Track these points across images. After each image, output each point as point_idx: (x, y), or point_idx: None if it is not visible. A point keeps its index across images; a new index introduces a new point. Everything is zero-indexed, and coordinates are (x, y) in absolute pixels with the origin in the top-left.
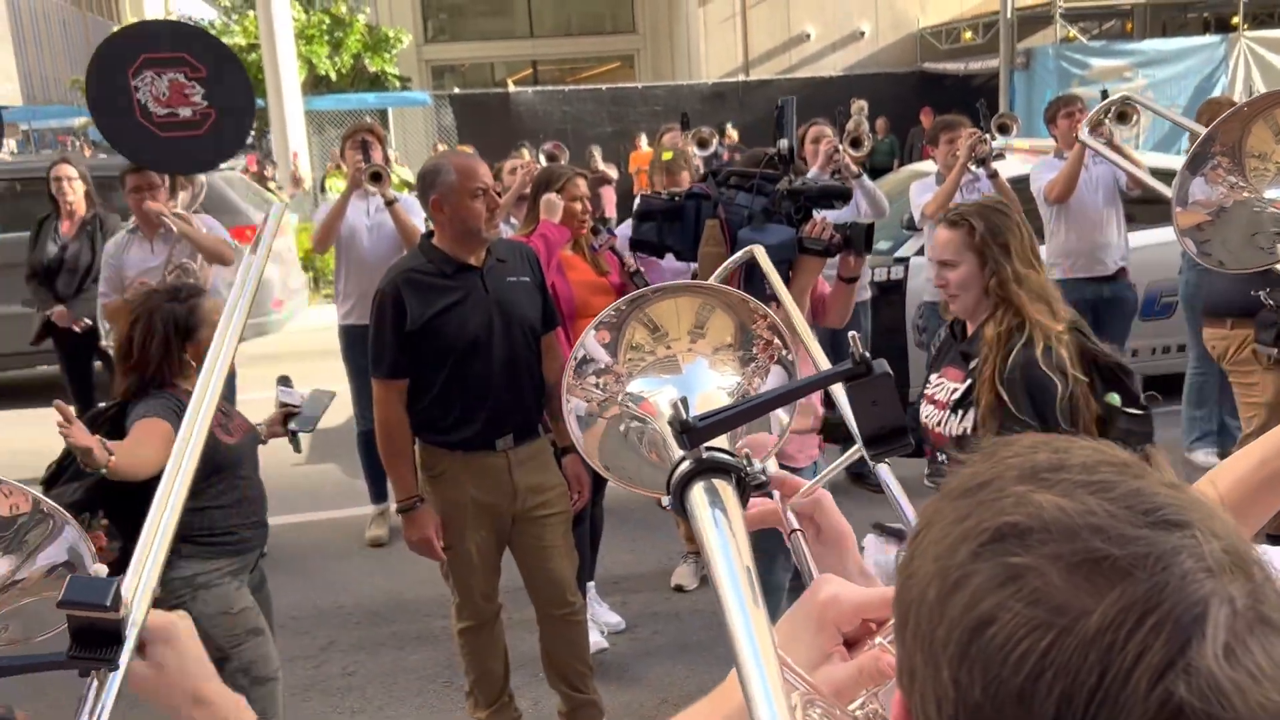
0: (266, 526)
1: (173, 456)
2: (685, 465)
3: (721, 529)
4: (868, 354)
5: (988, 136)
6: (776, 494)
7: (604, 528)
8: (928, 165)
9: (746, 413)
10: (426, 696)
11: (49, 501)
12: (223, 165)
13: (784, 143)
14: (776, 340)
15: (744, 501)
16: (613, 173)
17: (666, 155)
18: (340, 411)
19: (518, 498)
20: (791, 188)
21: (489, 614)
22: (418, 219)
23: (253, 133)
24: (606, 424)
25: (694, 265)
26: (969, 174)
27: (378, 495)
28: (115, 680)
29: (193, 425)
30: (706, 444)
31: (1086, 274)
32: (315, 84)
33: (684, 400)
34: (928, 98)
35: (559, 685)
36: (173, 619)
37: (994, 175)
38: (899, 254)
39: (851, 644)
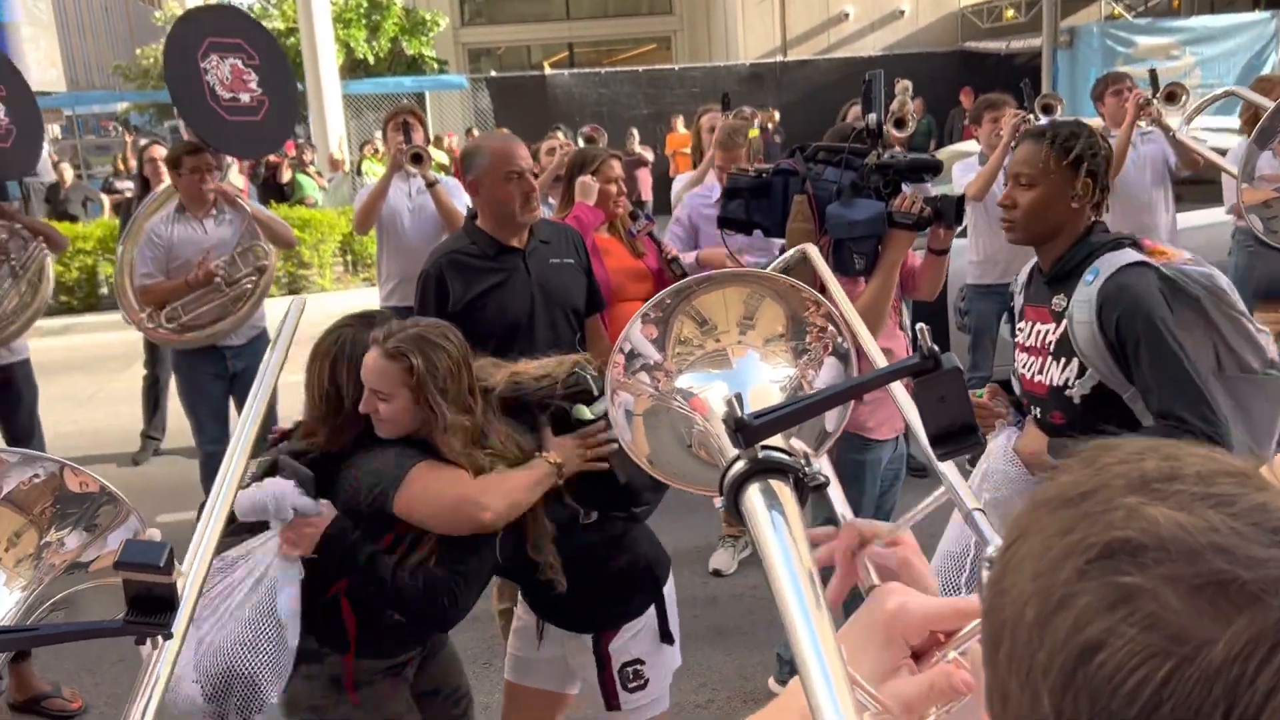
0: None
1: (206, 511)
2: (740, 465)
3: (781, 532)
4: (936, 347)
5: (1031, 117)
6: (851, 548)
7: None
8: (969, 145)
9: (805, 410)
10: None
11: (114, 489)
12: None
13: (872, 116)
14: (831, 328)
15: (802, 503)
16: (649, 155)
17: (753, 133)
18: None
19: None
20: (880, 161)
21: None
22: (459, 201)
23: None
24: (654, 421)
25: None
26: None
27: None
28: (170, 648)
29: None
30: (761, 443)
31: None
32: (353, 68)
33: (738, 397)
34: (968, 78)
35: None
36: None
37: None
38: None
39: (918, 656)
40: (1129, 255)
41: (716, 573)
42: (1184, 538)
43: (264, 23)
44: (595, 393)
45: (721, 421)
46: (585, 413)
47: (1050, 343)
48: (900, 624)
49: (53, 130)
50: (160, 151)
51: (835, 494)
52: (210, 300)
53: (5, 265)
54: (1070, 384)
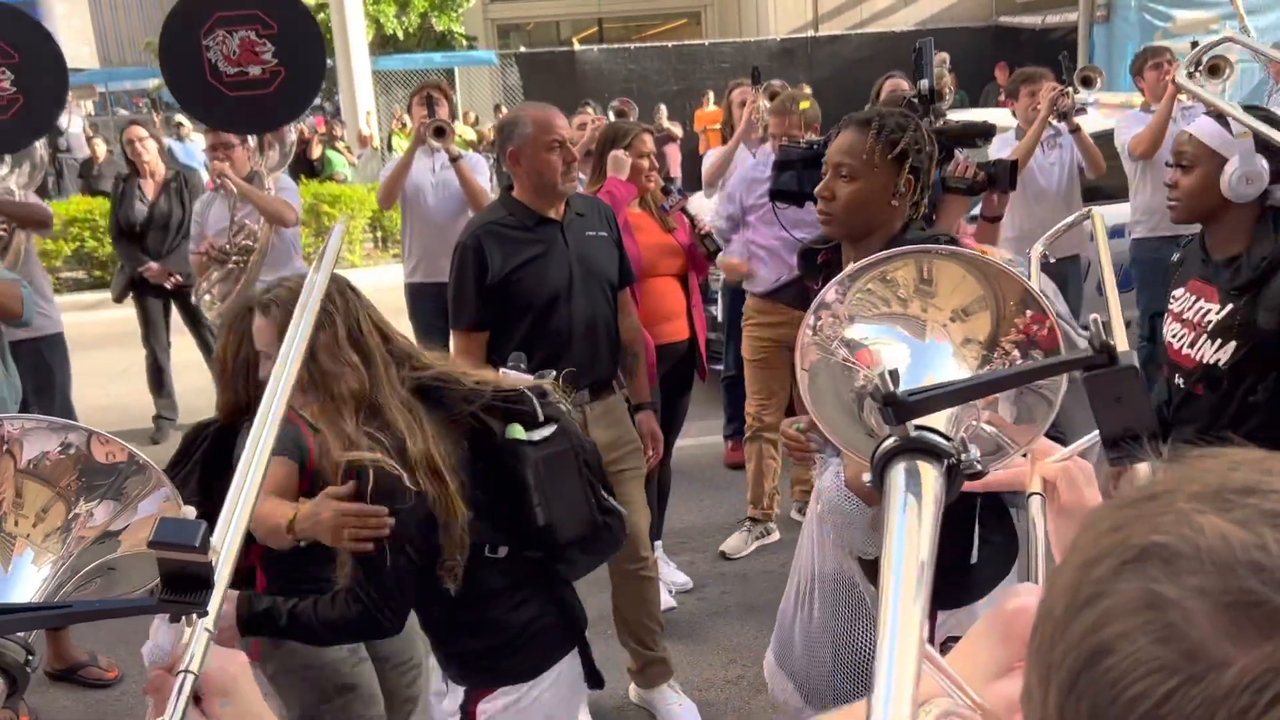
0: None
1: (237, 476)
2: (890, 442)
3: (907, 515)
4: (1112, 340)
5: (1070, 90)
6: (1029, 454)
7: (671, 487)
8: (1004, 118)
9: (962, 392)
10: None
11: (143, 456)
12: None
13: (924, 83)
14: (1016, 352)
15: (953, 490)
16: (678, 131)
17: (805, 105)
18: None
19: None
20: (932, 128)
21: None
22: (482, 177)
23: (321, 92)
24: (821, 364)
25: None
26: (1050, 128)
27: None
28: (204, 626)
29: (270, 407)
30: (919, 423)
31: (1171, 233)
32: (383, 43)
33: (893, 372)
34: (1003, 53)
35: (629, 642)
36: (231, 672)
37: (1076, 130)
38: (973, 213)
39: None
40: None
41: (723, 555)
42: (1223, 551)
43: None
44: (539, 418)
45: (869, 396)
46: (518, 431)
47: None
48: (1020, 625)
49: (86, 106)
50: (139, 131)
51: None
52: (231, 276)
53: None
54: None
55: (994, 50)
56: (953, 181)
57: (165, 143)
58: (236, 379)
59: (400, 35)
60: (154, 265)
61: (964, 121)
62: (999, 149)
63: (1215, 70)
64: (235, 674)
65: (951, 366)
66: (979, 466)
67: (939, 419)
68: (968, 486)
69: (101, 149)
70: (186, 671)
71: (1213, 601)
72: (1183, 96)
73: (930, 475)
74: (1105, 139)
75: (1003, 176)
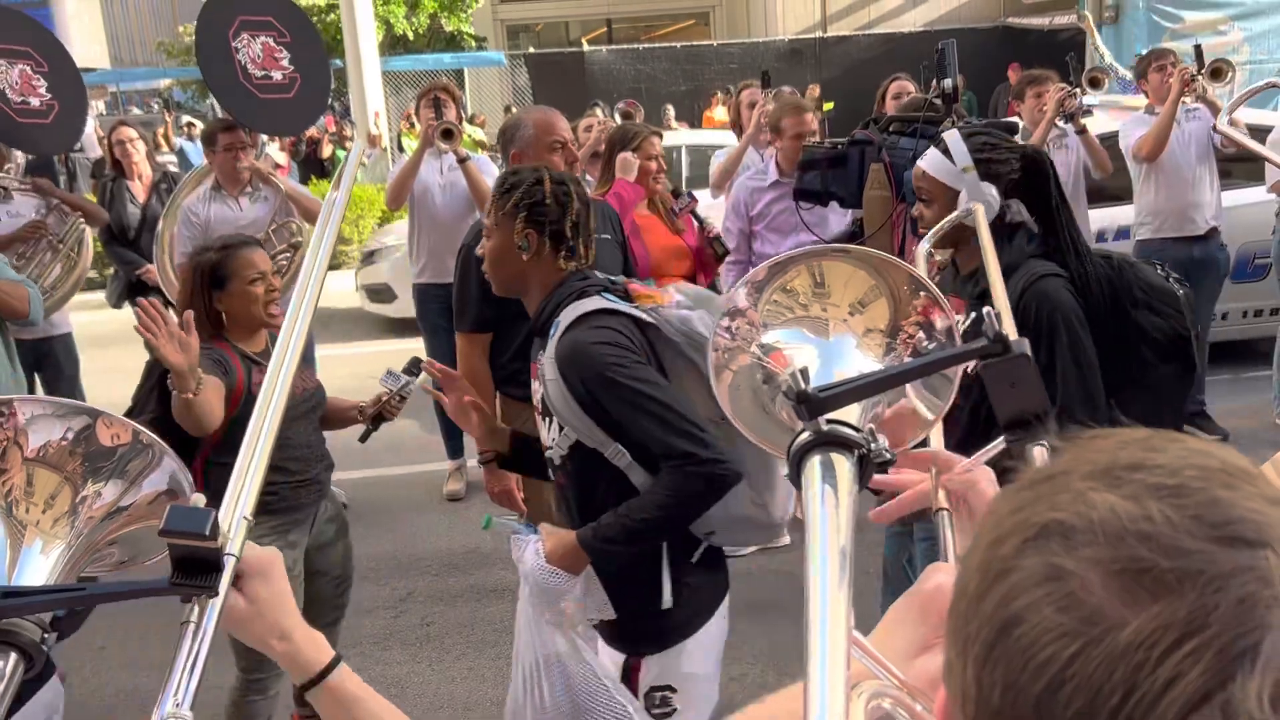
0: (319, 484)
1: (263, 390)
2: (804, 436)
3: (826, 505)
4: (1005, 331)
5: (1077, 91)
6: (932, 470)
7: None
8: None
9: (869, 387)
10: (502, 647)
11: (148, 433)
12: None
13: (947, 82)
14: (920, 334)
15: (865, 479)
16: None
17: (828, 106)
18: None
19: None
20: (956, 128)
21: None
22: (490, 178)
23: (333, 92)
24: (733, 377)
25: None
26: (1056, 129)
27: (454, 451)
28: (216, 607)
29: (283, 356)
30: (830, 417)
31: (1176, 234)
32: (392, 44)
33: (804, 371)
34: (1011, 54)
35: None
36: (270, 555)
37: (1082, 131)
38: None
39: None
40: (590, 304)
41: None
42: (1113, 523)
43: (304, 0)
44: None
45: (782, 394)
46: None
47: (540, 401)
48: (937, 603)
49: (97, 106)
50: (128, 132)
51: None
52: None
53: (45, 240)
54: (553, 443)
55: (1002, 51)
56: None
57: (176, 143)
58: (193, 303)
59: (410, 36)
60: (152, 267)
61: (987, 120)
62: None
63: (1218, 73)
64: (271, 558)
65: (857, 357)
66: (888, 455)
67: (850, 412)
68: (875, 515)
69: None
70: (228, 554)
71: (1106, 570)
72: (1186, 99)
73: (844, 466)
74: (1110, 140)
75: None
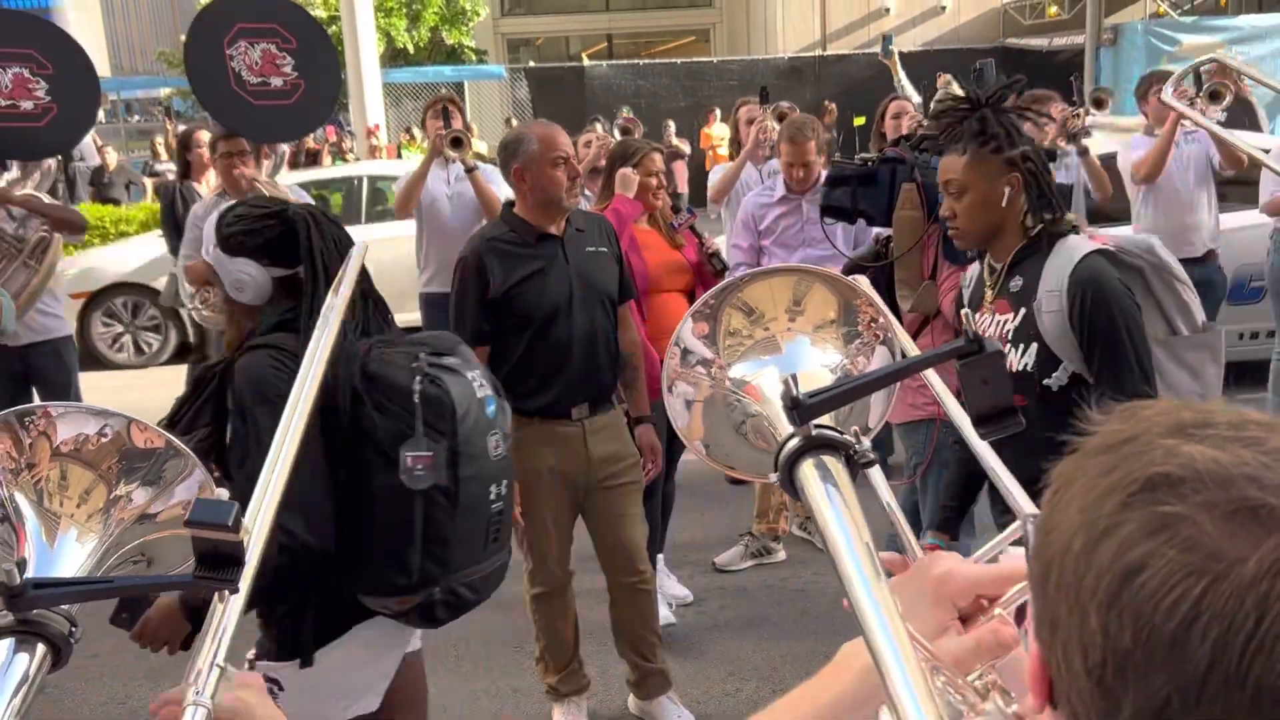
0: None
1: (286, 412)
2: (794, 442)
3: (836, 504)
4: (978, 331)
5: (1080, 112)
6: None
7: (674, 502)
8: None
9: (857, 390)
10: (496, 660)
11: (179, 443)
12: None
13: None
14: (881, 319)
15: (853, 478)
16: (686, 148)
17: (859, 121)
18: None
19: (592, 466)
20: None
21: (561, 580)
22: (498, 187)
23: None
24: (710, 409)
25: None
26: (1058, 151)
27: None
28: (236, 602)
29: (302, 386)
30: (816, 422)
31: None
32: (393, 56)
33: (794, 377)
34: (1009, 74)
35: (628, 654)
36: (246, 700)
37: (1084, 152)
38: None
39: (964, 620)
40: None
41: (714, 567)
42: (1218, 470)
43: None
44: None
45: (778, 401)
46: None
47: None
48: (948, 587)
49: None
50: (204, 137)
51: (877, 476)
52: None
53: (19, 257)
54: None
55: (1000, 72)
56: None
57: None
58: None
59: (411, 49)
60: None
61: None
62: None
63: (1216, 95)
64: (250, 701)
65: (816, 354)
66: (871, 456)
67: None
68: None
69: (112, 156)
70: (197, 704)
71: (1220, 511)
72: (1185, 121)
73: (838, 466)
74: (1109, 161)
75: (1063, 198)
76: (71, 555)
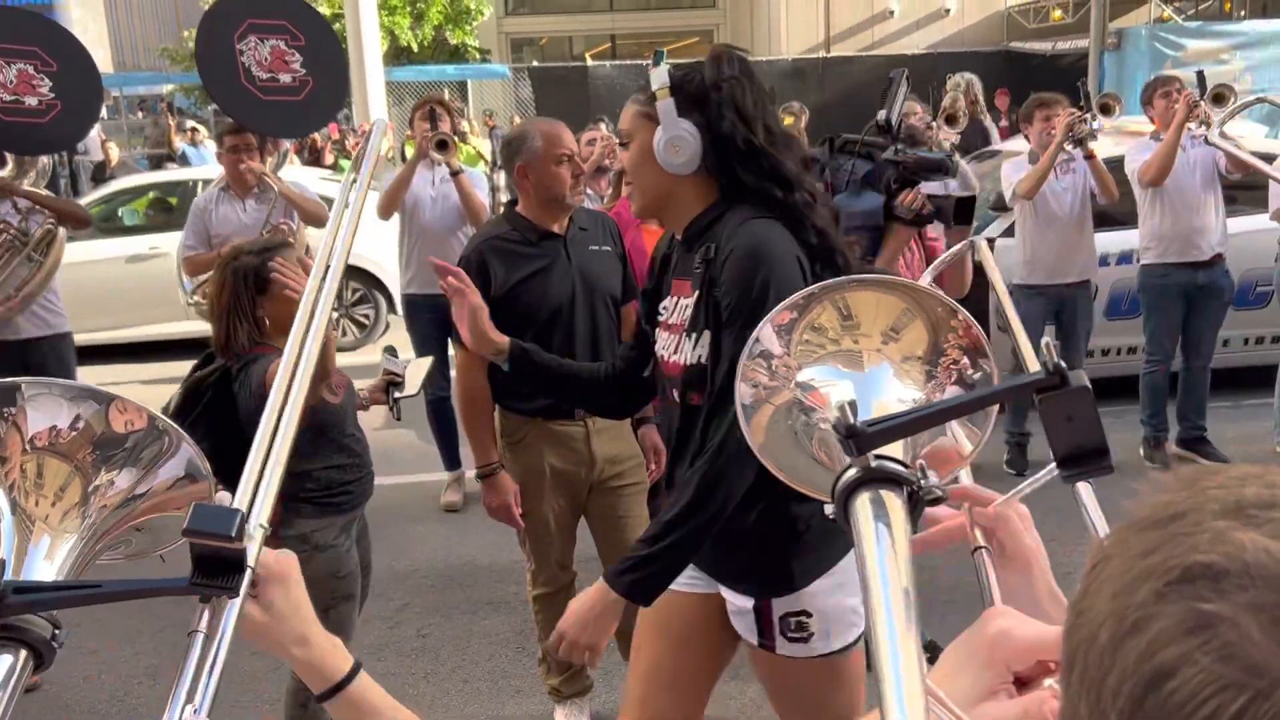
0: (372, 476)
1: (274, 390)
2: (851, 473)
3: (883, 545)
4: (1062, 362)
5: (1088, 116)
6: (965, 506)
7: None
8: (1015, 144)
9: (921, 420)
10: (498, 661)
11: (165, 419)
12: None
13: (882, 114)
14: (965, 360)
15: (915, 517)
16: None
17: (788, 120)
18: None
19: (595, 467)
20: (889, 157)
21: (564, 581)
22: (482, 192)
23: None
24: (773, 413)
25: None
26: (1064, 154)
27: (450, 462)
28: (235, 608)
29: (296, 349)
30: (877, 452)
31: (1180, 259)
32: (396, 55)
33: (852, 404)
34: (1013, 78)
35: (630, 656)
36: (288, 560)
37: (1090, 156)
38: (986, 234)
39: (1025, 683)
40: None
41: None
42: (1271, 566)
43: None
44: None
45: (832, 428)
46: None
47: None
48: (1003, 649)
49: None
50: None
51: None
52: None
53: (23, 250)
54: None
55: (1004, 75)
56: (898, 210)
57: (179, 146)
58: (228, 317)
59: (414, 47)
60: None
61: (918, 155)
62: (1013, 173)
63: (1220, 99)
64: (288, 562)
65: (895, 386)
66: (939, 492)
67: (894, 447)
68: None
69: (115, 152)
70: (216, 653)
71: (1268, 616)
72: (1191, 125)
73: (896, 503)
74: (1115, 165)
75: (946, 212)
76: (52, 555)
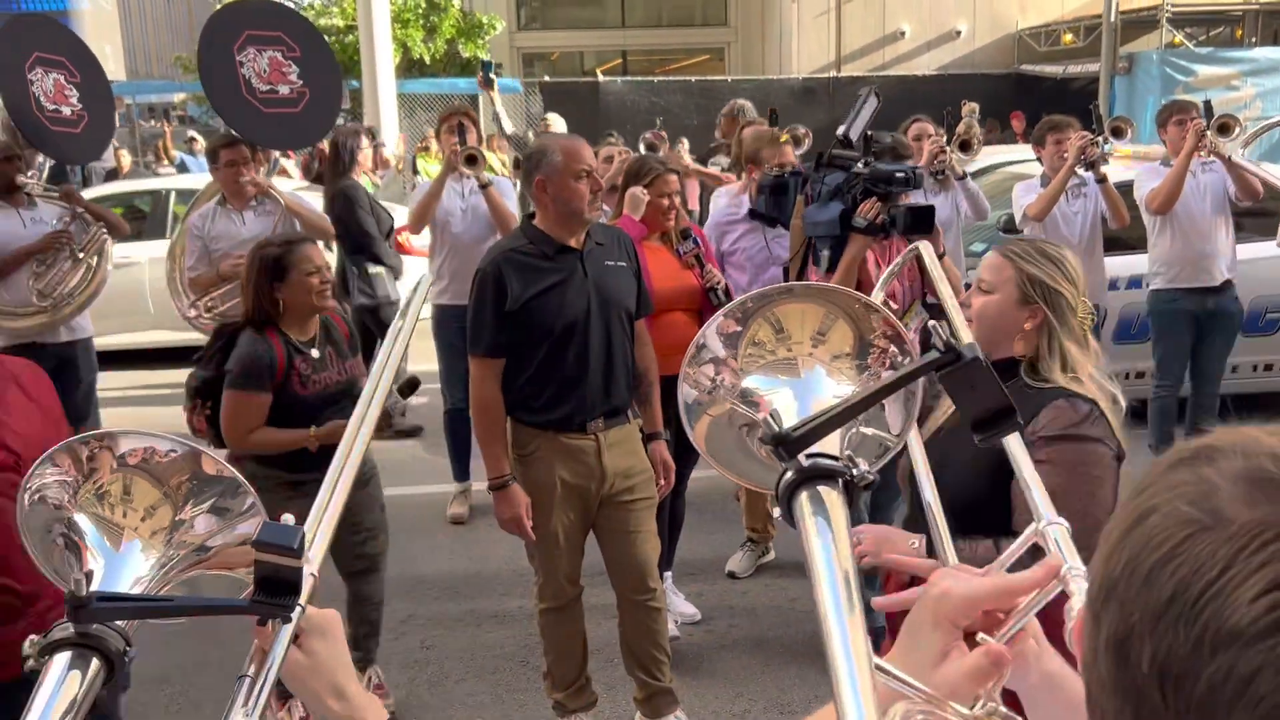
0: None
1: (342, 444)
2: (788, 476)
3: (824, 536)
4: (953, 339)
5: (1099, 139)
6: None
7: (684, 520)
8: (1027, 165)
9: (840, 416)
10: (502, 674)
11: (244, 481)
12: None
13: (841, 129)
14: (893, 348)
15: (854, 502)
16: (718, 167)
17: (784, 138)
18: (425, 389)
19: (605, 481)
20: (854, 170)
21: (571, 595)
22: (511, 202)
23: (345, 111)
24: (716, 417)
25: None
26: (1075, 178)
27: (460, 474)
28: (288, 631)
29: (355, 434)
30: (811, 450)
31: (1190, 284)
32: (409, 67)
33: (775, 414)
34: (1023, 101)
35: (636, 671)
36: (330, 615)
37: (1103, 180)
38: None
39: (981, 633)
40: None
41: (732, 575)
42: (1253, 445)
43: (323, 20)
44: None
45: (759, 440)
46: None
47: None
48: (945, 607)
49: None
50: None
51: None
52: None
53: (67, 249)
54: None
55: (1014, 98)
56: (854, 220)
57: (176, 155)
58: (254, 290)
59: (426, 60)
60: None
61: (874, 167)
62: (1025, 194)
63: (1225, 129)
64: (331, 616)
65: (830, 384)
66: (870, 477)
67: (830, 440)
68: (877, 604)
69: (127, 159)
70: (268, 674)
71: (1237, 477)
72: (1201, 151)
73: (833, 496)
74: (1124, 189)
75: (900, 222)
76: (134, 569)
